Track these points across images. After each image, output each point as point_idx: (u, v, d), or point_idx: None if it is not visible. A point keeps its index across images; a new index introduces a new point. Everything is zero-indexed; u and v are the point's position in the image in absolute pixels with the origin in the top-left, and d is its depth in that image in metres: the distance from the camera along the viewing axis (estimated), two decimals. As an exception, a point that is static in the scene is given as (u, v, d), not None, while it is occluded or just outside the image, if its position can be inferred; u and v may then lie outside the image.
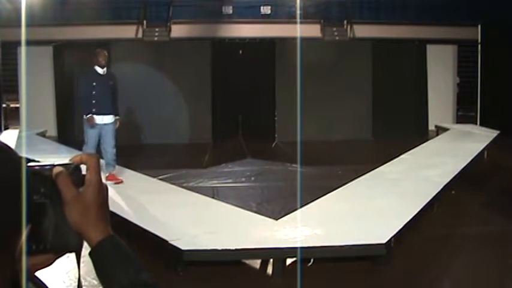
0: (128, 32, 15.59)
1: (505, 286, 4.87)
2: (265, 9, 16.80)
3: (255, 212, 6.27)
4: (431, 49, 14.34)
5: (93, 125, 7.33)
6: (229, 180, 8.39)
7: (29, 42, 11.47)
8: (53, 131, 13.20)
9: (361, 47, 14.17)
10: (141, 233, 5.34)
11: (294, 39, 13.59)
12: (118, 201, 6.26)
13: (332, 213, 6.04)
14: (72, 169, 0.85)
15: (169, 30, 15.78)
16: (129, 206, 6.22)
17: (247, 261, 5.22)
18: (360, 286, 4.94)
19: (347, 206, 6.33)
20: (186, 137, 12.43)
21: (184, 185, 7.83)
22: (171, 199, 6.78)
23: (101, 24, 15.24)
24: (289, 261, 5.07)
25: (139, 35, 15.68)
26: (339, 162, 9.80)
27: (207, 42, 14.09)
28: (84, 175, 0.86)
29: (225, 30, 16.13)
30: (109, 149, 7.45)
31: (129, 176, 7.92)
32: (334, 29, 16.29)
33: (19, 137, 11.67)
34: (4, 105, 14.32)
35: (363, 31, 16.07)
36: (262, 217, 5.94)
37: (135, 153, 10.36)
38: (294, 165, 9.34)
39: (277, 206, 6.73)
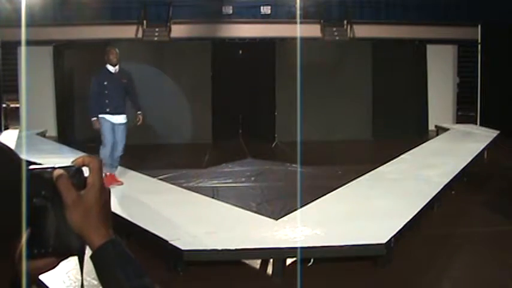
0: (128, 32, 15.59)
1: (505, 286, 4.87)
2: (265, 9, 16.80)
3: (255, 212, 6.27)
4: (431, 49, 14.35)
5: (97, 129, 7.20)
6: (229, 180, 8.39)
7: (29, 42, 11.47)
8: (53, 131, 13.21)
9: (361, 47, 14.17)
10: (141, 233, 5.35)
11: (294, 39, 13.60)
12: (118, 201, 6.26)
13: (332, 213, 6.04)
14: (74, 171, 0.84)
15: (169, 30, 15.79)
16: (129, 206, 6.22)
17: (247, 261, 5.22)
18: (360, 286, 4.94)
19: (347, 206, 6.33)
20: (186, 137, 12.43)
21: (184, 185, 7.83)
22: (171, 199, 6.78)
23: (101, 24, 15.25)
24: (289, 261, 5.08)
25: (139, 35, 15.69)
26: (339, 162, 9.80)
27: (207, 42, 14.10)
28: (86, 177, 0.85)
29: (225, 30, 16.13)
30: (119, 148, 7.31)
31: (129, 176, 7.91)
32: (334, 29, 16.29)
33: (19, 137, 11.68)
34: (4, 105, 14.33)
35: (363, 31, 16.07)
36: (262, 217, 5.94)
37: (135, 153, 10.33)
38: (294, 165, 9.34)
39: (277, 206, 6.73)
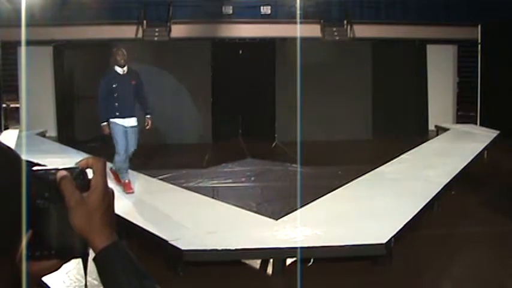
0: (128, 32, 15.56)
1: (505, 286, 4.88)
2: (265, 9, 16.77)
3: (255, 212, 6.28)
4: (431, 49, 14.35)
5: (107, 134, 6.93)
6: (229, 180, 8.39)
7: (29, 42, 11.46)
8: (53, 131, 13.20)
9: (361, 47, 14.17)
10: (141, 233, 5.35)
11: (294, 39, 13.57)
12: (118, 201, 6.25)
13: (332, 213, 6.05)
14: (77, 173, 0.84)
15: (169, 30, 15.76)
16: (129, 206, 6.23)
17: (247, 261, 5.22)
18: (359, 286, 4.95)
19: (347, 206, 6.34)
20: (186, 137, 12.43)
21: (184, 185, 7.84)
22: (171, 199, 6.79)
23: (101, 24, 15.22)
24: (289, 261, 5.08)
25: (139, 35, 15.66)
26: (339, 162, 9.80)
27: (207, 42, 14.09)
28: (90, 179, 0.85)
29: (225, 30, 16.10)
30: (129, 152, 7.08)
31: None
32: (334, 29, 16.26)
33: (19, 137, 11.67)
34: (4, 105, 14.32)
35: (363, 31, 16.04)
36: (262, 217, 5.95)
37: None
38: (294, 165, 9.34)
39: (277, 206, 6.74)
